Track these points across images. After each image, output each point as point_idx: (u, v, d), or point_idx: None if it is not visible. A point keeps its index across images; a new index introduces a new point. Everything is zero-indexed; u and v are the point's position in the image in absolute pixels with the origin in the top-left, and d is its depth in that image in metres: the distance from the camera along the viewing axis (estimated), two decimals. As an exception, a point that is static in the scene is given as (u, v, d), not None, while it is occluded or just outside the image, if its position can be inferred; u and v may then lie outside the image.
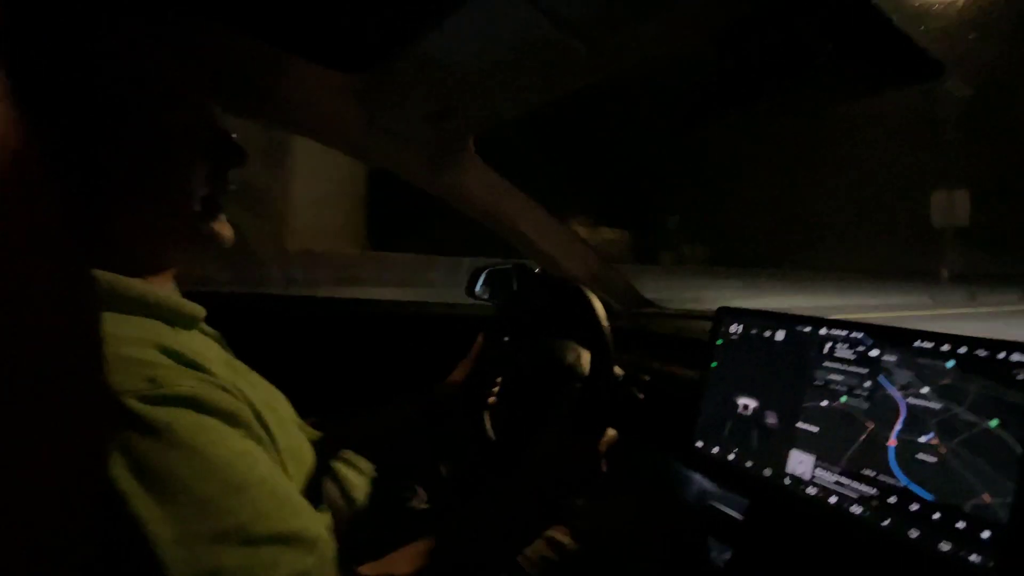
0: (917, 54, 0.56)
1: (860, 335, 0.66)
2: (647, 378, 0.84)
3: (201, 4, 0.62)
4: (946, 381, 0.58)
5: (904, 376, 0.62)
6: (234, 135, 0.52)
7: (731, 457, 0.76)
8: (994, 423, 0.54)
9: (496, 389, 0.95)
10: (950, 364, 0.58)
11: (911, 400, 0.60)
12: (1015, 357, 0.53)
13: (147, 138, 0.45)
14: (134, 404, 0.36)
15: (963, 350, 0.57)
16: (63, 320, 0.21)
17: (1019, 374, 0.53)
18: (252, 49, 0.73)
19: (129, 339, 0.41)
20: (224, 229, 0.52)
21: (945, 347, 0.59)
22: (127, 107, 0.44)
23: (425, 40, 0.68)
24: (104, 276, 0.43)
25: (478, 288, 1.25)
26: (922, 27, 0.56)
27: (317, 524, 0.44)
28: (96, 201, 0.44)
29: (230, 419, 0.42)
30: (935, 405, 0.58)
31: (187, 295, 0.52)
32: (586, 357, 0.92)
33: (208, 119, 0.50)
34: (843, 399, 0.66)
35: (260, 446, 0.44)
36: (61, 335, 0.21)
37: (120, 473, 0.35)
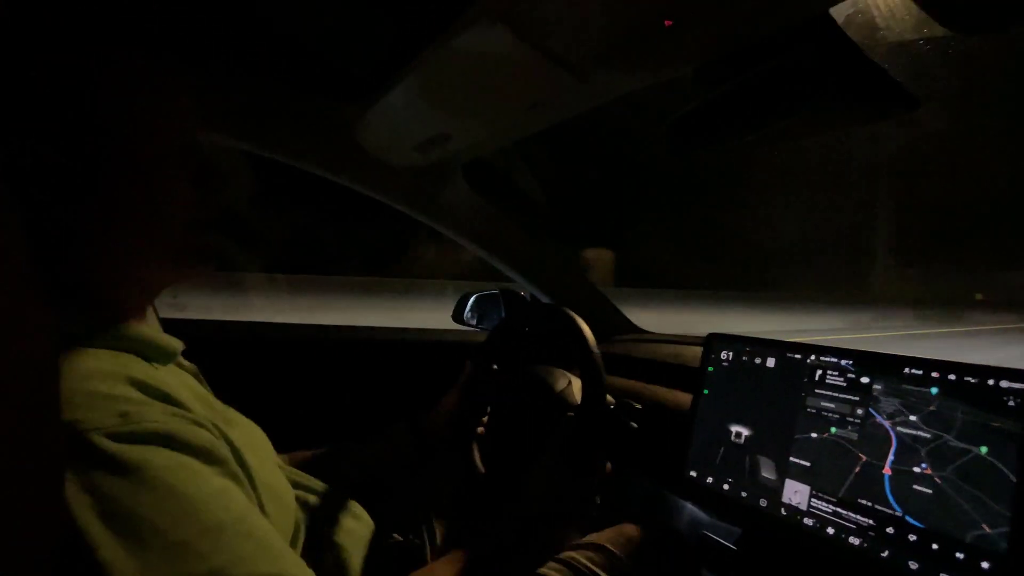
0: (895, 88, 0.58)
1: (849, 363, 0.67)
2: (639, 406, 0.83)
3: (202, 43, 0.62)
4: (932, 408, 0.58)
5: (892, 404, 0.62)
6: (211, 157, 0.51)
7: (725, 487, 0.75)
8: (984, 450, 0.54)
9: (485, 419, 0.93)
10: (935, 391, 0.59)
11: (900, 429, 0.60)
12: (1004, 383, 0.54)
13: (130, 165, 0.44)
14: (103, 441, 0.34)
15: (952, 377, 0.58)
16: (14, 353, 0.20)
17: (1009, 400, 0.53)
18: (252, 84, 0.74)
19: (100, 373, 0.39)
20: (209, 255, 0.51)
21: (933, 374, 0.59)
22: (110, 135, 0.43)
23: (417, 71, 0.69)
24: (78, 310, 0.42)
25: (466, 314, 1.24)
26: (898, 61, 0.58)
27: (296, 567, 0.42)
28: (73, 228, 0.43)
29: (205, 456, 0.40)
30: (925, 434, 0.58)
31: (168, 324, 0.50)
32: (577, 385, 0.91)
33: (193, 146, 0.49)
34: (833, 430, 0.66)
35: (237, 485, 0.42)
36: (12, 369, 0.19)
37: (86, 516, 0.32)
